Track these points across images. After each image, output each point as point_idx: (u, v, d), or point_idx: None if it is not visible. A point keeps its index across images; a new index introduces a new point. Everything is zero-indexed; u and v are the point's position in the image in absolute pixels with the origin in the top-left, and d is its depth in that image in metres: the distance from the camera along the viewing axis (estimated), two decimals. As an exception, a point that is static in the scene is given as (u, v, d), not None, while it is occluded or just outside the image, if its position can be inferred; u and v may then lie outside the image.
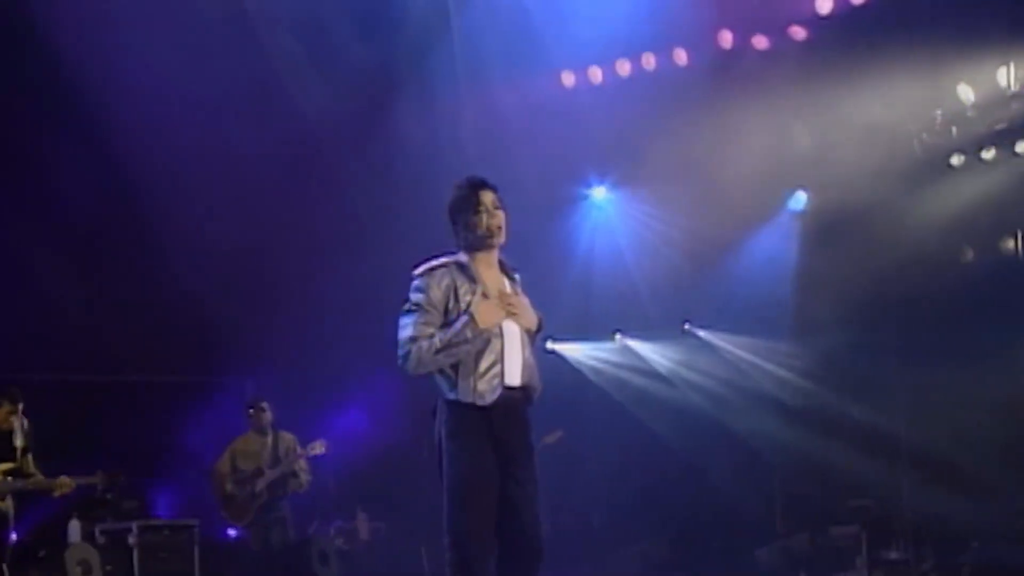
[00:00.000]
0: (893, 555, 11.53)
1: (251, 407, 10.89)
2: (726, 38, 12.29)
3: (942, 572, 11.16)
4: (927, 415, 11.67)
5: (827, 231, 12.18)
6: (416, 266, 5.74)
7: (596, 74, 13.20)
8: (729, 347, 13.01)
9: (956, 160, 11.99)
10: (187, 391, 13.19)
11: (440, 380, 5.62)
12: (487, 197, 5.72)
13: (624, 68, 13.05)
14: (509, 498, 5.54)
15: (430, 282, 5.64)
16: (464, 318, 5.54)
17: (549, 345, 13.32)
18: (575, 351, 13.43)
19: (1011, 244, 11.94)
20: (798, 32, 12.05)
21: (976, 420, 11.43)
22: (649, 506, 12.08)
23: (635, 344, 13.13)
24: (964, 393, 11.23)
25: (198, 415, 12.51)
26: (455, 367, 5.56)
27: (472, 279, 5.67)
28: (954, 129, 12.02)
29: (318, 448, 10.51)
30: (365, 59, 12.16)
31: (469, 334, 5.52)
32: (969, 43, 11.37)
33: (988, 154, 11.84)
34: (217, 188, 11.97)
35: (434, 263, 5.72)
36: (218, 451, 10.92)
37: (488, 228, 5.69)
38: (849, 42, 11.64)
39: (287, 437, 10.80)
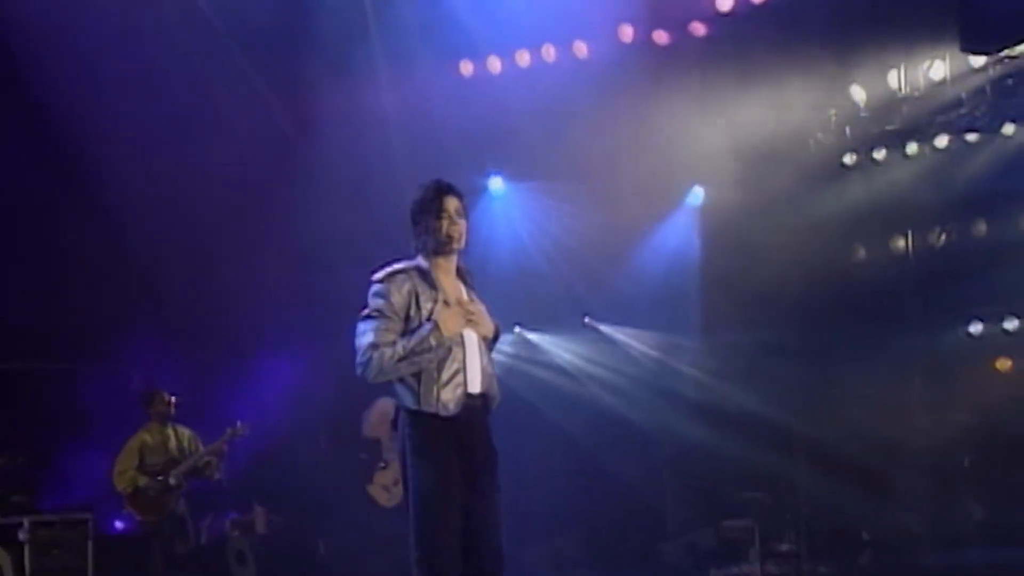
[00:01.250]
0: (784, 547, 11.80)
1: (151, 398, 10.63)
2: (627, 32, 12.34)
3: (832, 563, 11.49)
4: (820, 410, 11.94)
5: (726, 228, 12.33)
6: (375, 271, 5.66)
7: (495, 64, 13.17)
8: (631, 341, 13.10)
9: (849, 160, 12.27)
10: (73, 379, 12.84)
11: (401, 390, 5.54)
12: (451, 204, 5.67)
13: (524, 59, 13.04)
14: (474, 509, 5.49)
15: (391, 288, 5.53)
16: (428, 326, 5.45)
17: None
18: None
19: (901, 243, 12.26)
20: (698, 28, 12.17)
21: (865, 415, 11.76)
22: (556, 502, 12.15)
23: (535, 337, 13.14)
24: (855, 389, 11.51)
25: (87, 405, 12.20)
26: (417, 376, 5.47)
27: (432, 286, 5.60)
28: (848, 129, 12.30)
29: (241, 431, 10.33)
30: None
31: (433, 342, 5.43)
32: (863, 45, 11.64)
33: (879, 154, 12.14)
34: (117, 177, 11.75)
35: (395, 268, 5.63)
36: (112, 442, 10.67)
37: (448, 234, 5.63)
38: (749, 40, 11.81)
39: (184, 429, 10.61)
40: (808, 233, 11.85)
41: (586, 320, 13.24)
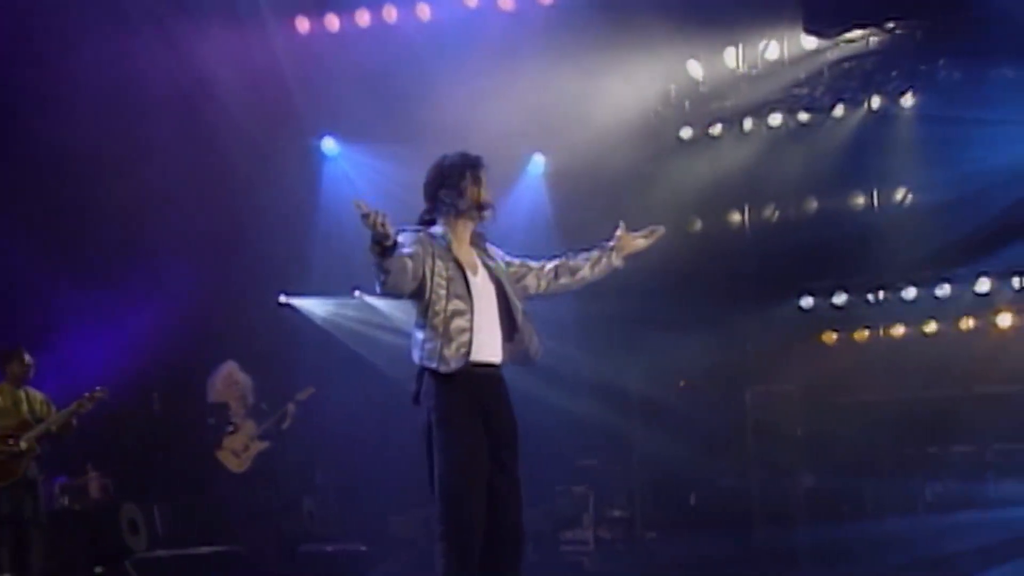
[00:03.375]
0: (617, 513, 12.02)
1: (8, 358, 9.97)
2: (471, -4, 12.26)
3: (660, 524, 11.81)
4: (659, 379, 12.19)
5: (571, 197, 12.40)
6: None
7: (333, 22, 12.90)
8: None
9: (686, 134, 12.50)
10: None
11: (414, 343, 5.50)
12: (483, 173, 5.67)
13: (364, 19, 12.82)
14: (498, 488, 5.44)
15: (403, 236, 5.42)
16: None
17: (283, 299, 13.00)
18: (313, 306, 13.13)
19: (737, 218, 12.58)
20: (545, -3, 12.17)
21: (704, 385, 12.08)
22: (415, 467, 12.03)
23: (376, 301, 12.96)
24: (693, 359, 11.79)
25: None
26: (424, 328, 5.44)
27: (447, 248, 5.56)
28: (687, 104, 12.53)
29: (100, 395, 9.80)
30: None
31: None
32: (703, 22, 11.82)
33: (716, 130, 12.40)
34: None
35: (408, 228, 5.57)
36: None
37: (483, 201, 5.62)
38: (593, 11, 11.85)
39: (36, 392, 10.05)
40: (648, 205, 11.99)
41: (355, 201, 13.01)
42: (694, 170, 12.40)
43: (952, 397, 11.86)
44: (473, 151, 11.75)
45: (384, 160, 12.87)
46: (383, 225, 5.10)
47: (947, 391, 11.92)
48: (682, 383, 12.42)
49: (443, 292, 5.46)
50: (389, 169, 12.86)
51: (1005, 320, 11.81)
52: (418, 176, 12.74)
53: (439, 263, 5.48)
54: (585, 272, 5.93)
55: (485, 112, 12.13)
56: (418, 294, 5.46)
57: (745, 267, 12.13)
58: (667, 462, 11.91)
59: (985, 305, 11.73)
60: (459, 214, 5.63)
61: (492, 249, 5.82)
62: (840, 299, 12.05)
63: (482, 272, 5.65)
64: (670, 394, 12.14)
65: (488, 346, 5.54)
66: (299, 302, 13.08)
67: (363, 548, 11.12)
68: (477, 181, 5.63)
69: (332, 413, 11.88)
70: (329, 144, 13.34)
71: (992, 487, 11.26)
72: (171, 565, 10.41)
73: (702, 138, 12.47)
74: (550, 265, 5.92)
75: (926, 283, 11.76)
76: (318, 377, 11.45)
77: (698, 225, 12.66)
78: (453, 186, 5.62)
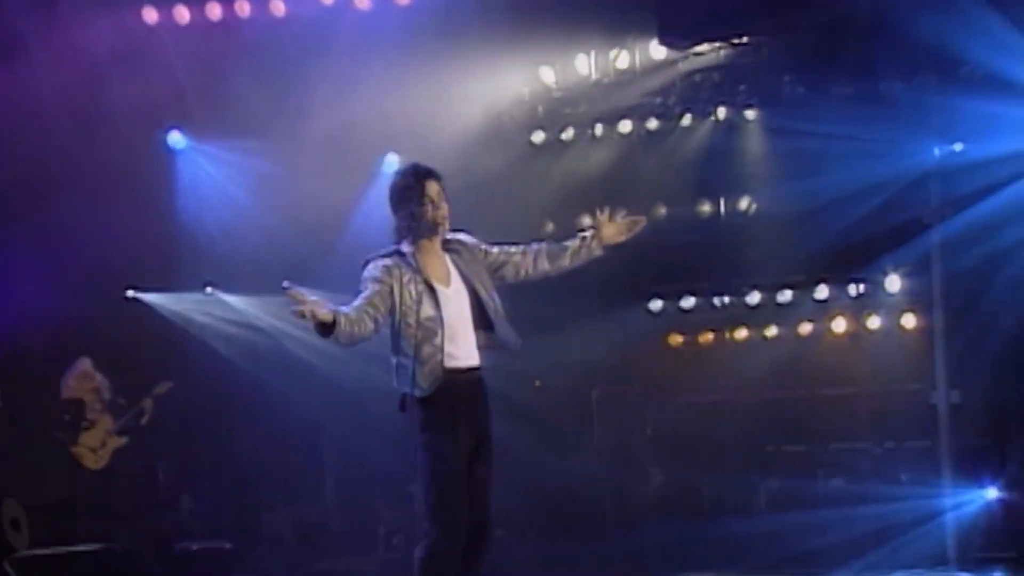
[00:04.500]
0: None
1: None
2: (328, -8, 12.20)
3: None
4: (516, 378, 12.33)
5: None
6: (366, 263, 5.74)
7: (183, 14, 12.67)
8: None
9: (538, 138, 12.69)
10: None
11: (392, 368, 5.65)
12: (432, 188, 5.68)
13: (215, 12, 12.62)
14: (478, 479, 5.59)
15: (370, 267, 5.66)
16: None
17: (131, 293, 12.72)
18: (164, 301, 12.88)
19: (588, 221, 12.75)
20: (402, -3, 12.18)
21: (561, 384, 12.31)
22: (284, 463, 11.94)
23: (230, 298, 12.79)
24: (546, 359, 11.98)
25: None
26: (398, 355, 5.60)
27: (416, 269, 5.65)
28: (540, 109, 12.70)
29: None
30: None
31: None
32: (558, 29, 11.99)
33: (568, 135, 12.62)
34: None
35: (379, 254, 5.72)
36: None
37: (434, 221, 5.68)
38: (451, 13, 11.91)
39: None
40: (500, 207, 12.12)
41: (284, 284, 12.90)
42: (546, 174, 12.61)
43: (792, 399, 12.33)
44: (320, 149, 11.85)
45: (235, 154, 12.76)
46: (314, 315, 5.30)
47: (787, 393, 12.36)
48: (537, 383, 12.61)
49: (412, 319, 5.60)
50: (241, 163, 12.78)
51: (840, 326, 12.34)
52: (270, 170, 12.72)
53: (407, 288, 5.62)
54: (565, 260, 6.09)
55: (338, 110, 12.15)
56: (389, 323, 5.62)
57: (596, 270, 12.34)
58: (518, 460, 12.07)
59: (823, 311, 12.25)
60: (420, 236, 5.73)
61: (467, 241, 5.91)
62: (687, 303, 12.45)
63: (455, 280, 5.76)
64: (525, 394, 12.31)
65: (464, 351, 5.67)
66: (149, 297, 12.84)
67: (227, 546, 11.05)
68: (424, 200, 5.68)
69: (201, 409, 11.78)
70: (176, 138, 13.12)
71: (824, 486, 11.72)
72: (47, 564, 10.15)
73: (554, 143, 12.70)
74: (531, 252, 6.05)
75: (769, 289, 12.22)
76: (177, 373, 11.33)
77: (549, 228, 12.84)
78: (404, 210, 5.71)
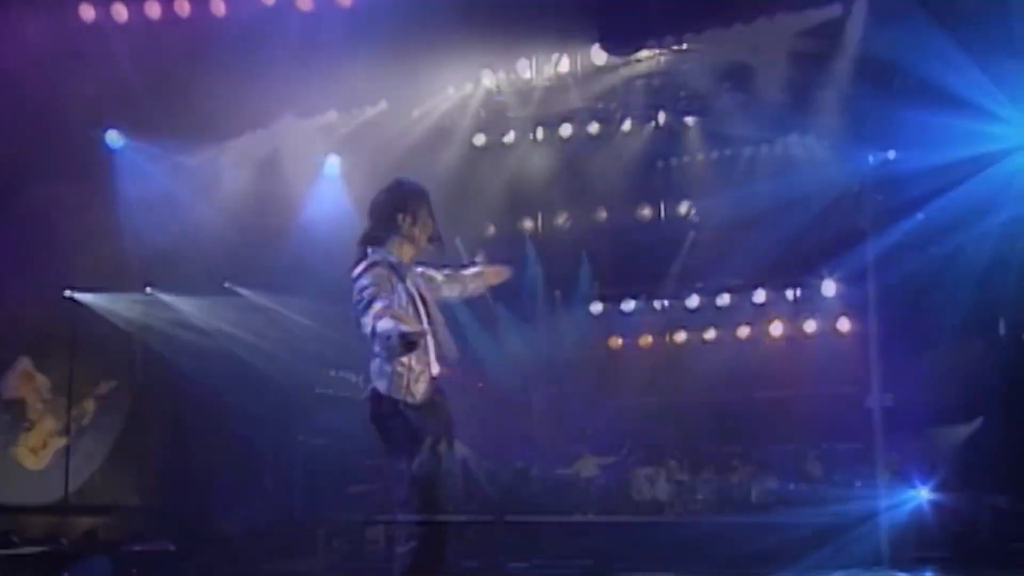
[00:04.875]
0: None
1: None
2: (267, -6, 12.12)
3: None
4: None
5: (365, 200, 12.38)
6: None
7: (121, 12, 12.53)
8: (277, 307, 12.86)
9: (480, 141, 12.73)
10: None
11: (379, 373, 5.72)
12: (424, 210, 6.01)
13: (154, 10, 12.49)
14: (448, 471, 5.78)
15: (369, 273, 5.75)
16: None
17: (68, 293, 12.56)
18: (104, 302, 12.73)
19: (529, 224, 12.89)
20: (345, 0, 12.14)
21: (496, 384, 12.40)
22: (230, 464, 11.89)
23: (170, 298, 12.68)
24: (488, 361, 12.06)
25: None
26: (392, 363, 5.67)
27: (401, 278, 5.82)
28: (482, 112, 12.74)
29: None
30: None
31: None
32: (501, 33, 12.01)
33: (509, 138, 12.68)
34: None
35: (371, 261, 5.81)
36: None
37: (425, 240, 5.95)
38: (394, 15, 11.88)
39: None
40: (444, 210, 12.11)
41: (226, 284, 12.89)
42: (488, 177, 12.65)
43: (730, 401, 12.50)
44: (263, 149, 11.82)
45: (175, 153, 12.66)
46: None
47: (725, 395, 12.54)
48: (480, 385, 12.66)
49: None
50: (182, 162, 12.69)
51: (778, 329, 12.52)
52: (211, 170, 12.60)
53: (398, 297, 5.76)
54: (468, 290, 6.33)
55: (280, 111, 12.12)
56: None
57: (538, 272, 12.47)
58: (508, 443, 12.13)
59: (761, 315, 12.42)
60: (412, 242, 5.93)
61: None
62: (627, 306, 12.57)
63: (419, 292, 5.92)
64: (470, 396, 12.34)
65: (435, 360, 5.83)
66: (86, 297, 12.70)
67: (171, 547, 10.99)
68: (416, 220, 5.96)
69: (145, 408, 11.67)
70: (113, 136, 12.99)
71: (760, 488, 11.87)
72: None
73: (496, 146, 12.75)
74: (457, 276, 6.27)
75: (708, 292, 12.37)
76: (119, 373, 11.23)
77: (492, 230, 12.91)
78: (393, 221, 5.94)
